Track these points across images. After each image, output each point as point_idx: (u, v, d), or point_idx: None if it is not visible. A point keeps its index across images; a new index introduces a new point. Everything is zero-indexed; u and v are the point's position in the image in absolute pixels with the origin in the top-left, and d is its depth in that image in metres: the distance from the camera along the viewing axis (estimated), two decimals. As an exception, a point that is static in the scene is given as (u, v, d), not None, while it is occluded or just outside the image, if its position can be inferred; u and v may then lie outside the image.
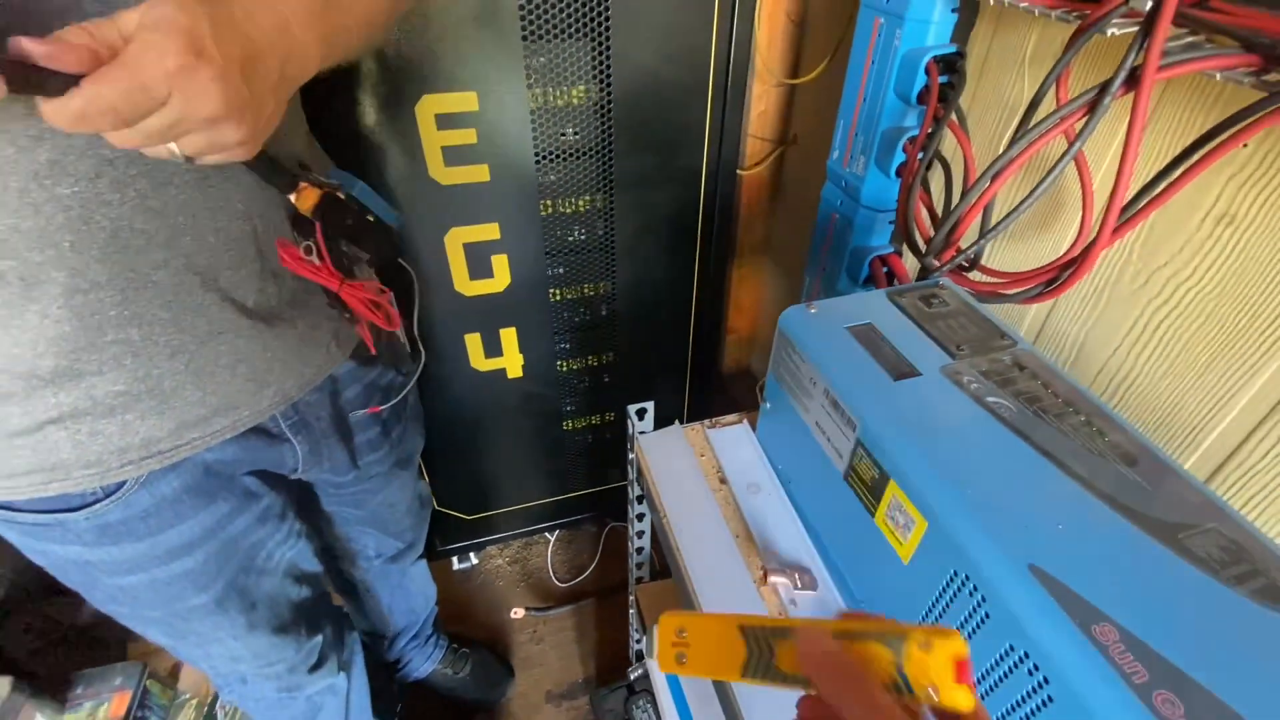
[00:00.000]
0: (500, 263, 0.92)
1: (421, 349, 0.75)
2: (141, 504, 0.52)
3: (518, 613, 1.30)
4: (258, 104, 0.36)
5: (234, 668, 0.68)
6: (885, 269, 0.84)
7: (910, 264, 0.81)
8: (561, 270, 0.98)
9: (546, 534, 1.42)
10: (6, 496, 0.48)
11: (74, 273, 0.41)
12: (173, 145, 0.35)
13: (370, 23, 0.49)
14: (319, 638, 0.72)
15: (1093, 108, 0.47)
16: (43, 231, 0.40)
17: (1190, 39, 0.47)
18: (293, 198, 0.49)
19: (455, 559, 1.36)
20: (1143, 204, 0.47)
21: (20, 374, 0.43)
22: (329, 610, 0.77)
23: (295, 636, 0.69)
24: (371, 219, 0.55)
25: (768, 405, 0.64)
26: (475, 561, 1.39)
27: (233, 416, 0.53)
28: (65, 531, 0.51)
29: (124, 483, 0.50)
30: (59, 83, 0.30)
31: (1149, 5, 0.44)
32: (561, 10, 0.74)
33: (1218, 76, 0.43)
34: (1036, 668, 0.35)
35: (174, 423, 0.50)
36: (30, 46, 0.29)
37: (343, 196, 0.52)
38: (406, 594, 0.99)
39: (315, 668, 0.73)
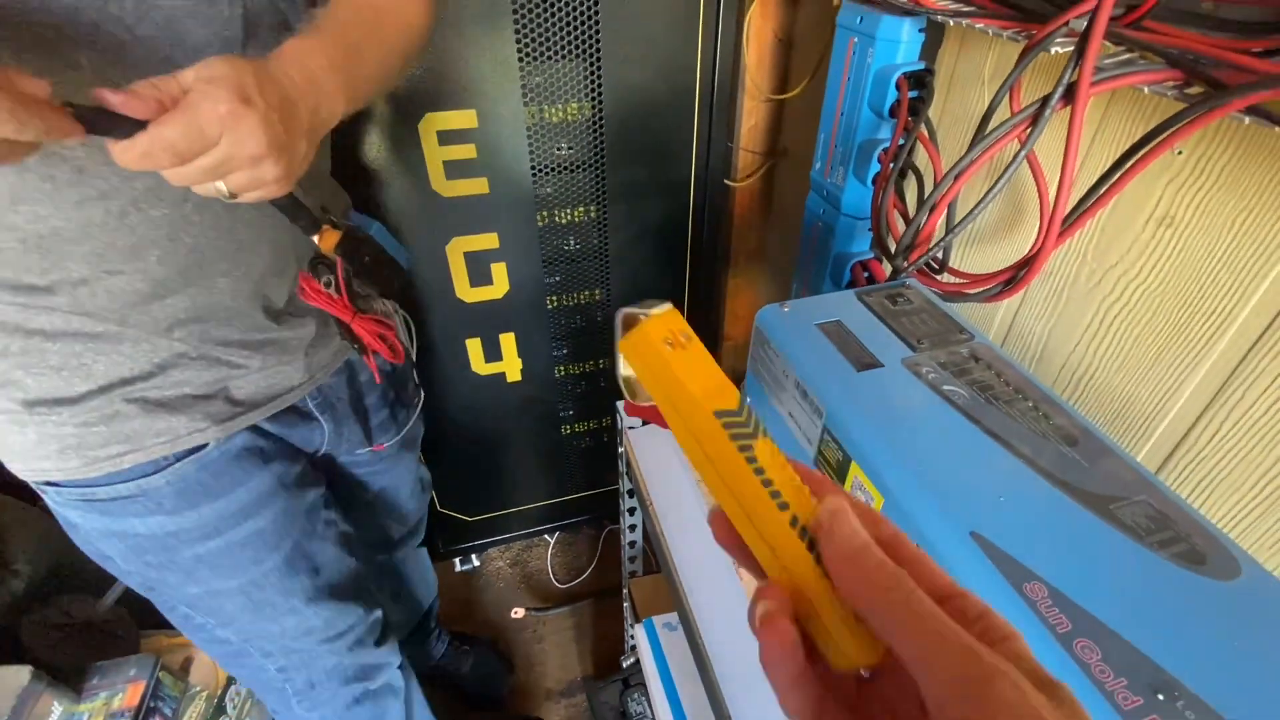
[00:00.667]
0: (499, 270, 0.97)
1: (421, 390, 0.82)
2: (213, 461, 0.57)
3: (518, 613, 1.33)
4: (293, 145, 0.42)
5: (306, 644, 0.70)
6: (866, 274, 0.88)
7: (890, 270, 0.85)
8: (558, 278, 1.02)
9: (546, 536, 1.45)
10: (88, 474, 0.53)
11: (156, 283, 0.48)
12: (220, 184, 0.40)
13: (386, 74, 0.55)
14: (379, 612, 0.76)
15: (1036, 119, 0.51)
16: (134, 248, 0.46)
17: (1126, 56, 0.51)
18: (315, 238, 0.55)
19: (458, 561, 1.40)
20: (1084, 208, 0.51)
21: None
22: (377, 599, 0.80)
23: (357, 604, 0.73)
24: (385, 258, 0.60)
25: (747, 399, 0.68)
26: (477, 563, 1.42)
27: (273, 391, 0.60)
28: (147, 501, 0.55)
29: (202, 446, 0.56)
30: (128, 127, 0.36)
31: (1084, 27, 0.49)
32: (556, 33, 0.79)
33: (1145, 90, 0.47)
34: (975, 624, 0.39)
35: (228, 398, 0.57)
36: (109, 96, 0.35)
37: (361, 237, 0.58)
38: (409, 580, 1.02)
39: (380, 641, 0.76)
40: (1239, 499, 0.53)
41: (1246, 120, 0.42)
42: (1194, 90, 0.46)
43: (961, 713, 0.17)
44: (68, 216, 0.43)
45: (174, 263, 0.49)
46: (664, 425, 0.25)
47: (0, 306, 0.46)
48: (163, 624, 1.03)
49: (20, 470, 0.54)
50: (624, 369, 0.23)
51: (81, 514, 0.56)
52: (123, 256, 0.46)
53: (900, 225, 0.73)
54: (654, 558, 1.03)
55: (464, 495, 1.26)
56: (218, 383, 0.56)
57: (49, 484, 0.54)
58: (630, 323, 0.23)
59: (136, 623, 1.02)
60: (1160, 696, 0.33)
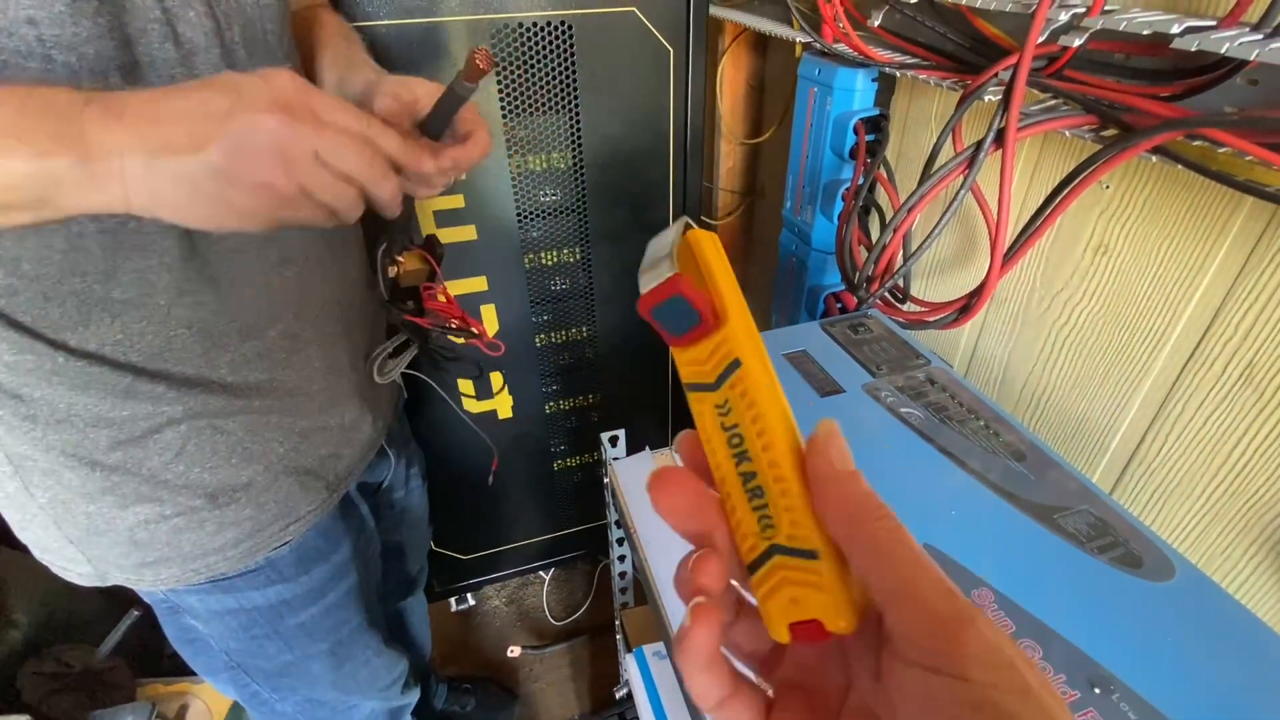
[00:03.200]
0: (489, 312, 1.01)
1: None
2: (323, 520, 0.57)
3: (514, 651, 1.33)
4: None
5: (363, 696, 0.69)
6: (839, 305, 0.92)
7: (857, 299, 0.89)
8: (546, 317, 1.06)
9: (541, 572, 1.46)
10: (253, 558, 0.52)
11: (294, 338, 0.50)
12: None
13: None
14: (406, 655, 0.77)
15: (972, 161, 0.55)
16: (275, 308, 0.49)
17: (1051, 102, 0.56)
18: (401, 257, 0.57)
19: (453, 600, 1.40)
20: (1023, 240, 0.55)
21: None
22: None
23: (396, 652, 0.73)
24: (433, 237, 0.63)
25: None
26: (472, 602, 1.42)
27: (375, 434, 0.62)
28: (271, 571, 0.54)
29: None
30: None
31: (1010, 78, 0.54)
32: (536, 89, 0.84)
33: (1067, 134, 0.52)
34: (931, 631, 0.41)
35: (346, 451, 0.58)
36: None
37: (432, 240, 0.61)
38: (414, 629, 1.02)
39: (414, 682, 0.78)
40: (1189, 508, 0.55)
41: (1154, 159, 0.46)
42: (1108, 133, 0.50)
43: (934, 647, 0.16)
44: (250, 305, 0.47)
45: (308, 314, 0.51)
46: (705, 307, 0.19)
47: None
48: (159, 672, 1.04)
49: (173, 577, 0.50)
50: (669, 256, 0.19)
51: (201, 596, 0.53)
52: (267, 319, 0.48)
53: (864, 258, 0.78)
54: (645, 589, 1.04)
55: (459, 534, 1.27)
56: (345, 439, 0.56)
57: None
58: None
59: (133, 671, 1.02)
60: (1096, 690, 0.35)
